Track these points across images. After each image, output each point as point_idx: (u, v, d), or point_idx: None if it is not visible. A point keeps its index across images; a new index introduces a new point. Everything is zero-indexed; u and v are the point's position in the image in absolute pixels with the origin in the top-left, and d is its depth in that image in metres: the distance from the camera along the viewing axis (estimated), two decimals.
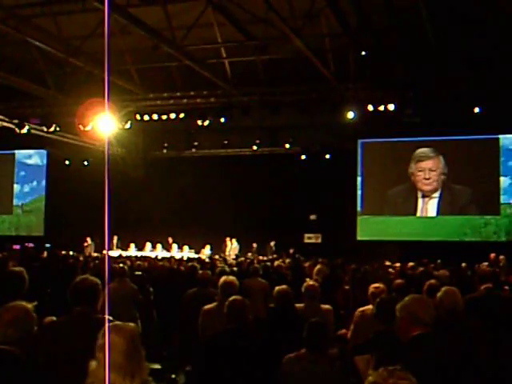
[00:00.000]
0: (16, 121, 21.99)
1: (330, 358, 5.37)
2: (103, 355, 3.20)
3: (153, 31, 15.75)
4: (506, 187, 22.76)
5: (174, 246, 24.32)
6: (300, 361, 5.29)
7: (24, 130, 22.11)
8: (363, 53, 17.00)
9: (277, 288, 7.20)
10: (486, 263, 14.99)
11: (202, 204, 25.12)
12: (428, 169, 23.46)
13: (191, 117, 21.14)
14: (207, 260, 17.01)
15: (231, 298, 5.70)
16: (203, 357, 5.57)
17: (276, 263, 15.29)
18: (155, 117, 21.26)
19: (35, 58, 18.07)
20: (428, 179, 23.43)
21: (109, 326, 3.37)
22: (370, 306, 7.12)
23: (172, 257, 19.49)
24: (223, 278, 7.27)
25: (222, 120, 20.70)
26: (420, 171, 23.56)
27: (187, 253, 23.34)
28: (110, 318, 5.75)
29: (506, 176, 22.78)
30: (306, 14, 14.47)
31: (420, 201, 23.60)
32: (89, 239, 24.91)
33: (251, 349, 5.37)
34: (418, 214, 23.62)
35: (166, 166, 26.13)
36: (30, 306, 4.23)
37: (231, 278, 7.33)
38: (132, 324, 3.49)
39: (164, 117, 21.23)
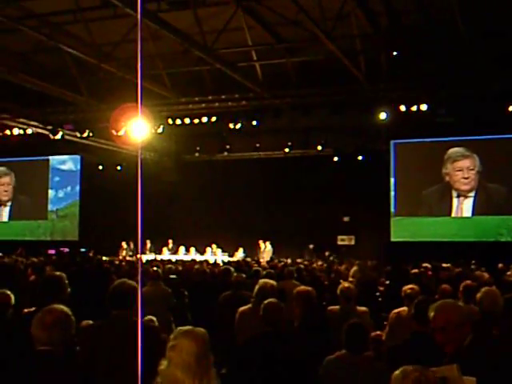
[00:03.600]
0: (50, 127, 22.26)
1: (369, 359, 5.33)
2: (174, 355, 3.37)
3: (184, 35, 15.82)
4: None
5: (208, 249, 24.37)
6: (340, 362, 5.26)
7: (58, 136, 22.38)
8: (395, 53, 16.90)
9: (297, 289, 7.17)
10: None
11: (235, 207, 25.16)
12: (466, 168, 23.19)
13: (223, 120, 21.22)
14: (241, 263, 17.02)
15: (266, 301, 5.68)
16: (238, 360, 5.57)
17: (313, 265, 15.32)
18: (187, 121, 21.36)
19: (68, 65, 18.24)
20: (467, 178, 23.16)
21: (182, 330, 3.55)
22: (405, 308, 7.07)
23: (206, 260, 19.53)
24: (262, 281, 7.25)
25: (254, 123, 20.74)
26: (458, 171, 23.28)
27: (221, 256, 23.38)
28: (153, 318, 5.77)
29: None
30: (337, 15, 14.41)
31: (455, 201, 23.36)
32: (124, 243, 25.08)
33: (287, 352, 5.36)
34: (453, 214, 23.38)
35: (198, 170, 26.21)
36: (67, 309, 4.29)
37: (270, 281, 7.31)
38: (203, 330, 3.60)
39: (196, 120, 21.33)
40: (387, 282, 12.41)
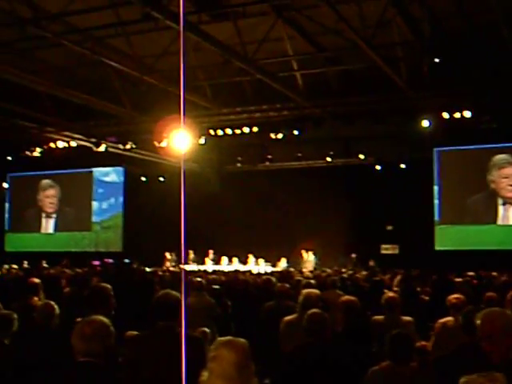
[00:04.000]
0: (93, 139, 22.56)
1: (414, 369, 5.26)
2: (214, 366, 3.37)
3: (224, 47, 15.89)
4: None
5: (250, 259, 24.38)
6: (384, 373, 5.20)
7: (101, 148, 22.66)
8: (437, 59, 16.75)
9: (341, 298, 7.12)
10: None
11: (277, 217, 25.14)
12: None
13: (264, 130, 21.24)
14: (284, 273, 16.98)
15: (310, 312, 5.66)
16: (282, 370, 5.56)
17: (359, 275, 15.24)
18: (229, 131, 21.45)
19: (111, 78, 18.45)
20: None
21: (222, 340, 3.55)
22: (451, 318, 6.97)
23: (249, 270, 19.53)
24: (306, 291, 7.23)
25: (296, 132, 20.72)
26: (504, 178, 22.95)
27: (263, 266, 23.37)
28: (206, 330, 5.76)
29: None
30: (377, 22, 14.35)
31: (500, 208, 23.02)
32: (167, 254, 25.20)
33: (331, 362, 5.32)
34: (499, 221, 23.04)
35: (240, 180, 26.27)
36: (107, 320, 4.31)
37: (314, 291, 7.28)
38: (243, 340, 3.58)
39: (237, 131, 21.40)
40: (432, 292, 12.25)
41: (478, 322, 4.16)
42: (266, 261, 24.23)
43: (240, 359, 3.38)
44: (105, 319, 4.30)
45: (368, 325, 7.44)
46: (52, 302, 6.27)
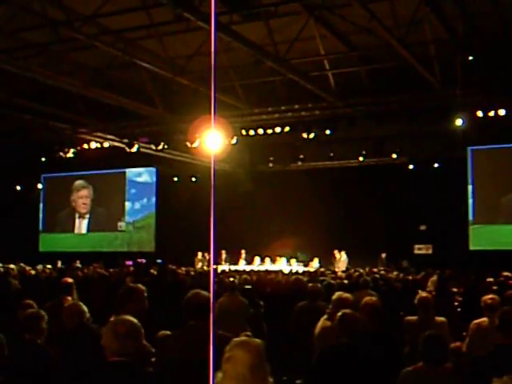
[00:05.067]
0: (126, 140, 22.70)
1: (448, 370, 5.20)
2: (228, 367, 3.33)
3: (256, 47, 15.89)
4: None
5: (282, 259, 24.35)
6: (418, 374, 5.15)
7: (134, 149, 22.79)
8: (470, 57, 16.58)
9: (364, 299, 7.07)
10: None
11: (310, 217, 25.08)
12: None
13: (296, 130, 21.20)
14: (314, 272, 16.95)
15: (341, 312, 5.66)
16: (315, 370, 5.55)
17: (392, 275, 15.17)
18: (260, 131, 21.44)
19: (143, 79, 18.55)
20: None
21: (236, 341, 3.51)
22: (486, 318, 6.90)
23: (280, 270, 19.51)
24: (338, 293, 7.21)
25: (328, 132, 20.65)
26: None
27: (296, 266, 23.34)
28: (249, 333, 5.75)
29: None
30: (410, 21, 14.25)
31: None
32: (199, 254, 25.27)
33: (363, 363, 5.30)
34: None
35: (272, 180, 26.28)
36: (136, 320, 4.32)
37: (346, 294, 7.26)
38: (259, 340, 3.56)
39: (269, 131, 21.39)
40: (466, 292, 12.14)
41: None
42: (299, 261, 24.19)
43: (254, 360, 3.34)
44: (135, 319, 4.31)
45: (398, 325, 7.40)
46: (80, 303, 6.31)
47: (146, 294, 5.79)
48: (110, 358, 4.08)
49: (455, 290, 12.50)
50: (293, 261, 24.15)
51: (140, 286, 5.95)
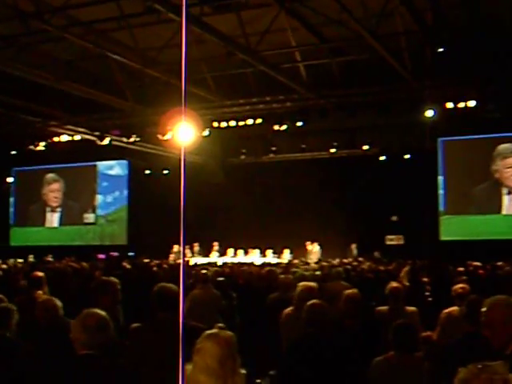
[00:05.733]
0: (97, 133, 22.57)
1: (418, 359, 5.27)
2: (198, 359, 3.33)
3: (227, 38, 15.88)
4: None
5: (255, 251, 24.38)
6: (389, 363, 5.21)
7: (105, 142, 22.67)
8: (440, 49, 16.71)
9: (346, 292, 7.13)
10: None
11: (282, 208, 25.15)
12: None
13: (268, 122, 21.21)
14: (287, 264, 16.99)
15: (310, 302, 5.72)
16: (284, 361, 5.59)
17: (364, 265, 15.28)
18: (232, 123, 21.43)
19: (114, 71, 18.45)
20: None
21: (207, 333, 3.50)
22: (456, 308, 6.98)
23: (252, 262, 19.53)
24: (301, 284, 7.27)
25: (299, 124, 20.68)
26: (508, 168, 22.89)
27: (270, 257, 23.39)
28: (222, 325, 5.80)
29: None
30: (380, 12, 14.31)
31: (505, 198, 22.97)
32: (176, 247, 25.15)
33: (332, 352, 5.35)
34: (504, 211, 23.00)
35: (244, 172, 26.27)
36: (105, 313, 4.32)
37: (310, 283, 7.32)
38: (230, 332, 3.56)
39: (241, 123, 21.37)
40: (437, 282, 12.26)
41: (484, 309, 4.21)
42: (274, 252, 24.22)
43: (223, 352, 3.33)
44: (103, 312, 4.32)
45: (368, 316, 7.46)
46: (53, 298, 6.27)
47: (119, 287, 5.78)
48: (79, 351, 4.08)
49: (426, 280, 12.61)
50: (268, 252, 24.16)
51: (113, 279, 5.94)
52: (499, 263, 14.54)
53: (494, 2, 14.79)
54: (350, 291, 7.15)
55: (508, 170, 22.93)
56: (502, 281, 10.09)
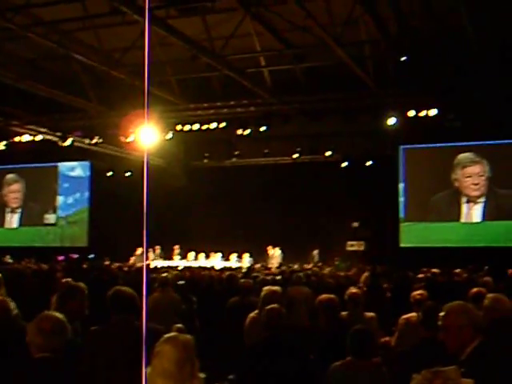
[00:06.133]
0: (59, 133, 22.34)
1: (375, 365, 5.32)
2: (156, 362, 3.31)
3: (192, 42, 15.86)
4: None
5: (217, 254, 24.35)
6: (346, 368, 5.26)
7: (67, 143, 22.44)
8: (403, 58, 16.89)
9: (320, 297, 7.17)
10: None
11: (244, 213, 25.15)
12: (476, 174, 23.12)
13: (232, 126, 21.24)
14: (247, 269, 17.01)
15: (268, 307, 5.78)
16: (243, 365, 5.62)
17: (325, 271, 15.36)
18: (196, 127, 21.39)
19: (77, 72, 18.31)
20: (476, 184, 23.08)
21: (165, 337, 3.48)
22: (414, 314, 7.05)
23: (213, 266, 19.52)
24: (266, 288, 7.29)
25: (263, 129, 20.73)
26: (468, 177, 23.20)
27: (234, 262, 23.39)
28: (181, 326, 5.75)
29: None
30: (345, 20, 14.43)
31: (464, 206, 23.29)
32: (139, 249, 24.95)
33: (288, 356, 5.39)
34: (463, 219, 23.31)
35: (206, 176, 26.21)
36: (62, 315, 4.30)
37: (274, 287, 7.35)
38: (189, 336, 3.55)
39: (204, 127, 21.35)
40: (396, 288, 12.38)
41: (441, 314, 4.30)
42: (238, 257, 24.20)
43: (181, 355, 3.33)
44: (60, 315, 4.29)
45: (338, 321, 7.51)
46: (7, 299, 6.18)
47: (86, 293, 5.74)
48: (34, 354, 4.05)
49: (386, 285, 12.72)
50: (232, 256, 24.12)
51: (81, 284, 5.90)
52: (457, 270, 14.72)
53: (456, 11, 14.98)
54: (324, 296, 7.18)
55: (467, 179, 23.25)
56: (460, 287, 10.20)
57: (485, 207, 23.03)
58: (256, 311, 7.22)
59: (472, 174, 23.19)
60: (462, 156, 23.28)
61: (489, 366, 3.97)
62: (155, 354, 3.34)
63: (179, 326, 6.47)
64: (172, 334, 3.56)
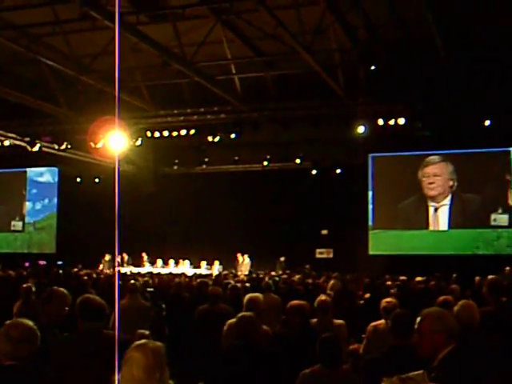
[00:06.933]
0: (27, 139, 22.09)
1: (344, 372, 5.35)
2: (125, 369, 3.30)
3: (163, 48, 15.84)
4: None
5: (186, 262, 24.28)
6: (315, 376, 5.27)
7: (35, 148, 22.20)
8: (373, 67, 17.02)
9: (291, 302, 7.18)
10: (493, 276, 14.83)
11: (213, 220, 25.12)
12: (432, 174, 23.41)
13: (202, 133, 21.22)
14: (217, 276, 17.00)
15: (240, 314, 5.77)
16: (214, 373, 5.61)
17: (295, 278, 15.39)
18: (166, 133, 21.34)
19: (47, 77, 18.18)
20: (431, 184, 23.35)
21: (135, 344, 3.46)
22: (383, 321, 7.09)
23: (183, 273, 19.46)
24: (248, 295, 7.29)
25: (233, 136, 20.74)
26: (426, 177, 23.51)
27: (204, 269, 23.33)
28: (146, 332, 5.71)
29: None
30: (315, 29, 14.51)
31: (431, 211, 23.49)
32: (108, 256, 24.79)
33: (260, 364, 5.40)
34: (430, 225, 23.51)
35: (176, 183, 26.15)
36: (32, 323, 4.25)
37: (256, 294, 7.34)
38: (159, 343, 3.52)
39: (174, 133, 21.31)
40: (366, 295, 12.45)
41: (418, 319, 4.38)
42: (207, 264, 24.14)
43: (149, 362, 3.31)
44: (30, 322, 4.25)
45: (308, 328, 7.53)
46: None
47: (67, 300, 5.67)
48: (3, 362, 4.00)
49: (361, 293, 12.79)
50: (202, 263, 24.04)
51: (62, 290, 5.85)
52: (423, 278, 14.80)
53: (424, 21, 15.11)
54: (295, 301, 7.20)
55: (424, 178, 23.52)
56: (428, 295, 10.28)
57: (450, 211, 23.22)
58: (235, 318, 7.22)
59: (430, 173, 23.48)
60: (429, 157, 23.50)
61: (459, 372, 4.02)
62: (124, 362, 3.32)
63: (143, 331, 6.44)
64: (142, 341, 3.54)
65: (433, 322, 4.30)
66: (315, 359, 5.43)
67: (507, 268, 16.61)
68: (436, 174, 23.40)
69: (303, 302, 7.08)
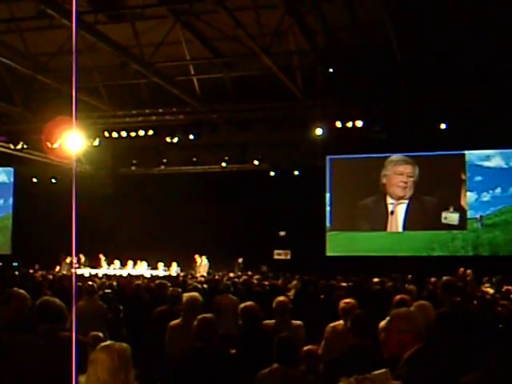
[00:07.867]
0: None
1: (302, 372, 5.38)
2: (90, 370, 3.32)
3: (121, 48, 15.72)
4: (473, 202, 22.97)
5: (143, 263, 24.16)
6: (273, 376, 5.29)
7: None
8: (331, 70, 17.12)
9: (242, 305, 7.20)
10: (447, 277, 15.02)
11: (171, 221, 25.03)
12: (406, 174, 23.65)
13: (160, 134, 21.14)
14: (175, 277, 16.93)
15: (200, 316, 5.75)
16: (172, 376, 5.59)
17: (253, 279, 15.40)
18: (124, 134, 21.20)
19: (2, 75, 17.92)
20: (406, 183, 23.59)
21: (101, 345, 3.49)
22: (341, 321, 7.13)
23: (141, 274, 19.36)
24: (188, 295, 7.30)
25: (191, 137, 20.69)
26: (399, 174, 23.69)
27: (161, 270, 23.23)
28: (100, 334, 5.68)
29: (472, 191, 22.98)
30: (274, 31, 14.54)
31: (389, 211, 23.70)
32: (68, 258, 24.51)
33: (221, 366, 5.39)
34: (388, 228, 23.74)
35: (134, 183, 26.02)
36: None
37: (195, 294, 7.36)
38: (124, 344, 3.50)
39: (133, 134, 21.18)
40: (322, 296, 12.51)
41: (387, 318, 4.46)
42: (165, 265, 24.04)
43: (115, 364, 3.32)
44: None
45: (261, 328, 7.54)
46: None
47: (27, 302, 5.61)
48: None
49: (313, 294, 12.83)
50: (160, 264, 23.94)
51: (22, 291, 5.78)
52: (378, 279, 14.93)
53: (381, 25, 15.25)
54: (245, 303, 7.21)
55: (398, 176, 23.70)
56: (386, 296, 10.37)
57: (407, 211, 23.47)
58: (178, 320, 7.20)
59: (403, 172, 23.71)
60: (396, 156, 23.70)
61: (424, 371, 4.11)
62: (90, 363, 3.33)
63: (96, 333, 6.39)
64: (107, 342, 3.54)
65: (401, 321, 4.39)
66: (269, 360, 5.46)
67: (461, 269, 16.84)
68: (409, 175, 23.63)
69: (252, 303, 7.12)
